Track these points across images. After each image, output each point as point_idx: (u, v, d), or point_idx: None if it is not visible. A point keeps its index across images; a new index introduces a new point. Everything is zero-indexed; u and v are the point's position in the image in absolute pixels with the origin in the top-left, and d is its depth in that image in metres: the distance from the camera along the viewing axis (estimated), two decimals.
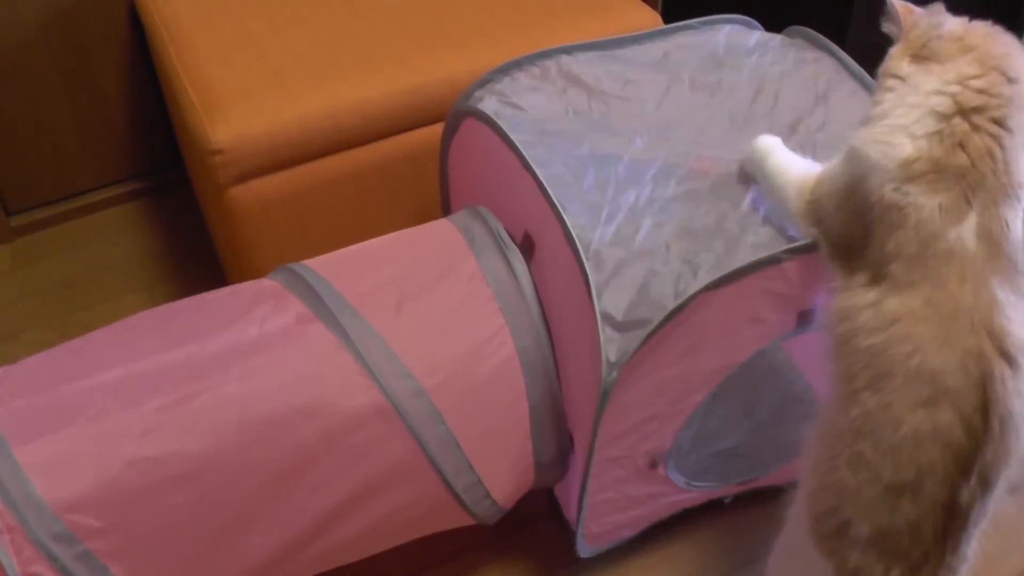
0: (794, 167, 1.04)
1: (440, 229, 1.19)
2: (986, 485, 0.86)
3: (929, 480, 0.85)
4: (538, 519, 1.36)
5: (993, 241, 0.89)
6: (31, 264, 1.81)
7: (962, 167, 0.89)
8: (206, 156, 1.29)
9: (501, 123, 1.13)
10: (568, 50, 1.26)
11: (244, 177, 1.31)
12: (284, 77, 1.34)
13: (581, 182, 1.09)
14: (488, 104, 1.18)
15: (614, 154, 1.13)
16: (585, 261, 1.02)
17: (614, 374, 1.01)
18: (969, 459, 0.85)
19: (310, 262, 1.16)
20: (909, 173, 0.90)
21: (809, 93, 1.22)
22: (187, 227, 1.85)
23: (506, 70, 1.22)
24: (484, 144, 1.18)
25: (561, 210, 1.05)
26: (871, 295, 0.90)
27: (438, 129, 1.38)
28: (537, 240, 1.12)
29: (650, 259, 1.04)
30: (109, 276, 1.78)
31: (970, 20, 0.97)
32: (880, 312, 0.89)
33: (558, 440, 1.15)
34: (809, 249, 1.04)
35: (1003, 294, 0.88)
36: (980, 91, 0.91)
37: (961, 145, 0.90)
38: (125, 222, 1.88)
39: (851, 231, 0.95)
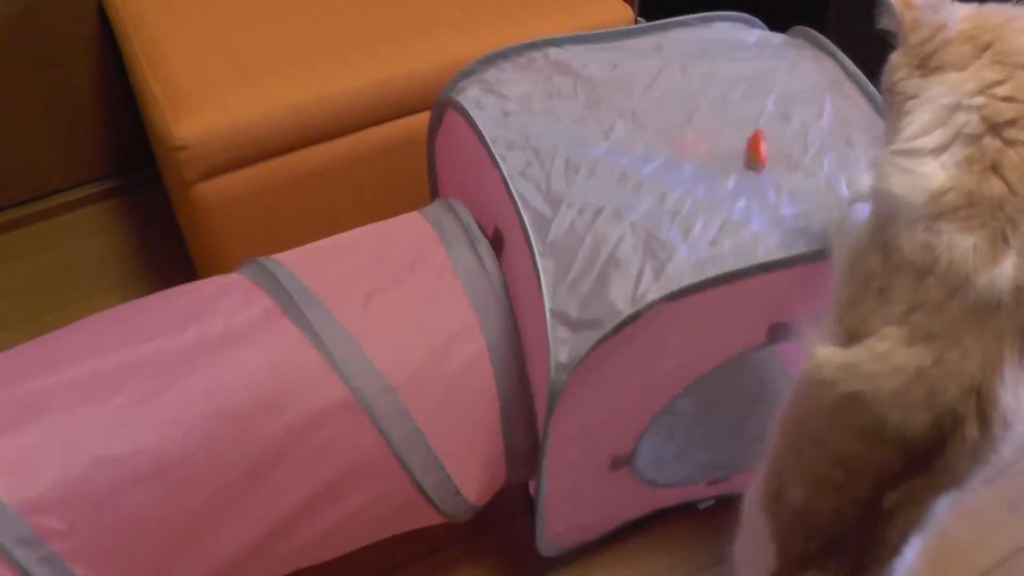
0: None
1: (411, 222, 1.18)
2: (916, 504, 0.85)
3: (852, 484, 0.85)
4: (512, 516, 1.34)
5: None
6: (1, 266, 1.79)
7: (998, 196, 0.77)
8: (171, 152, 1.27)
9: (475, 113, 1.11)
10: (557, 42, 1.24)
11: (210, 173, 1.29)
12: (250, 71, 1.32)
13: (550, 170, 1.07)
14: (471, 93, 1.16)
15: (592, 138, 1.11)
16: (538, 256, 0.99)
17: (563, 376, 0.98)
18: (897, 480, 0.84)
19: (279, 256, 1.15)
20: (941, 207, 0.78)
21: (805, 87, 1.18)
22: (159, 226, 1.82)
23: (492, 60, 1.21)
24: (462, 136, 1.16)
25: (520, 202, 1.03)
26: (884, 345, 0.81)
27: (408, 123, 1.36)
28: (505, 234, 1.10)
29: (611, 250, 1.00)
30: (81, 276, 1.75)
31: (981, 2, 0.85)
32: (887, 363, 0.80)
33: (529, 435, 1.14)
34: (784, 264, 1.00)
35: (1011, 354, 0.78)
36: (1008, 99, 0.79)
37: (994, 168, 0.77)
38: (97, 222, 1.85)
39: (865, 295, 0.85)
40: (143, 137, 1.83)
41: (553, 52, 1.22)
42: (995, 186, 0.77)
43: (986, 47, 0.81)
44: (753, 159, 1.09)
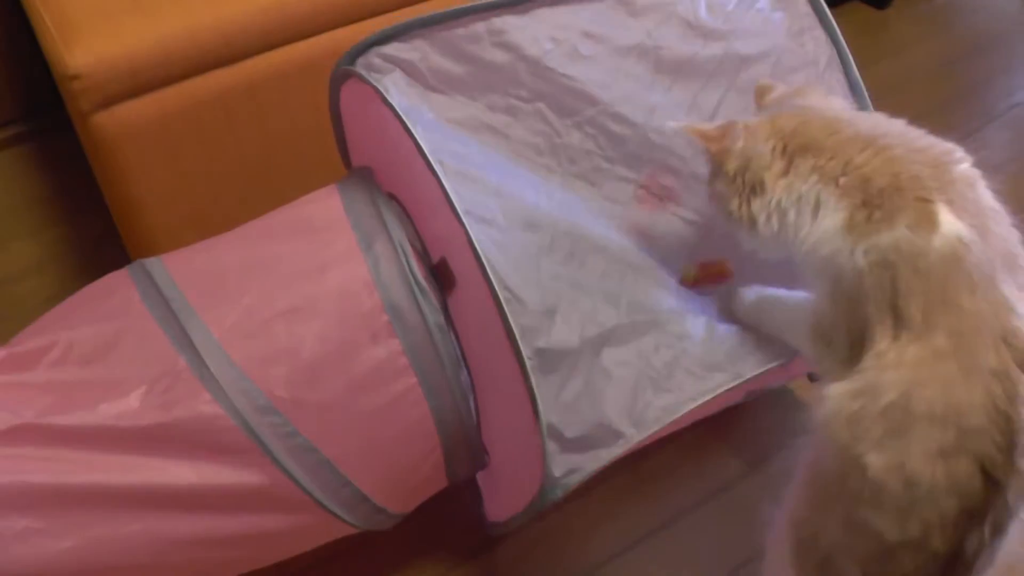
0: (789, 307, 1.05)
1: (331, 222, 1.08)
2: (998, 531, 0.85)
3: (936, 536, 0.83)
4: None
5: (978, 228, 0.89)
6: None
7: (889, 185, 0.91)
8: (65, 82, 1.26)
9: (409, 122, 1.00)
10: (503, 6, 1.09)
11: (107, 102, 1.29)
12: None
13: (512, 231, 1.01)
14: (394, 80, 1.05)
15: (549, 169, 1.07)
16: (529, 367, 0.94)
17: (558, 492, 0.99)
18: (984, 507, 0.83)
19: (169, 258, 1.11)
20: (858, 229, 0.91)
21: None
22: (73, 171, 1.81)
23: (420, 29, 1.07)
24: (384, 124, 1.06)
25: (492, 277, 0.94)
26: (892, 355, 0.87)
27: (303, 47, 1.37)
28: (459, 280, 1.05)
29: (599, 354, 1.00)
30: None
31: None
32: (902, 363, 0.86)
33: (466, 439, 1.10)
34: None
35: (1008, 290, 0.87)
36: (826, 168, 0.96)
37: (866, 178, 0.93)
38: (9, 168, 1.84)
39: (856, 323, 0.92)
40: (52, 79, 1.81)
41: (499, 24, 1.08)
42: (880, 181, 0.92)
43: (791, 153, 0.98)
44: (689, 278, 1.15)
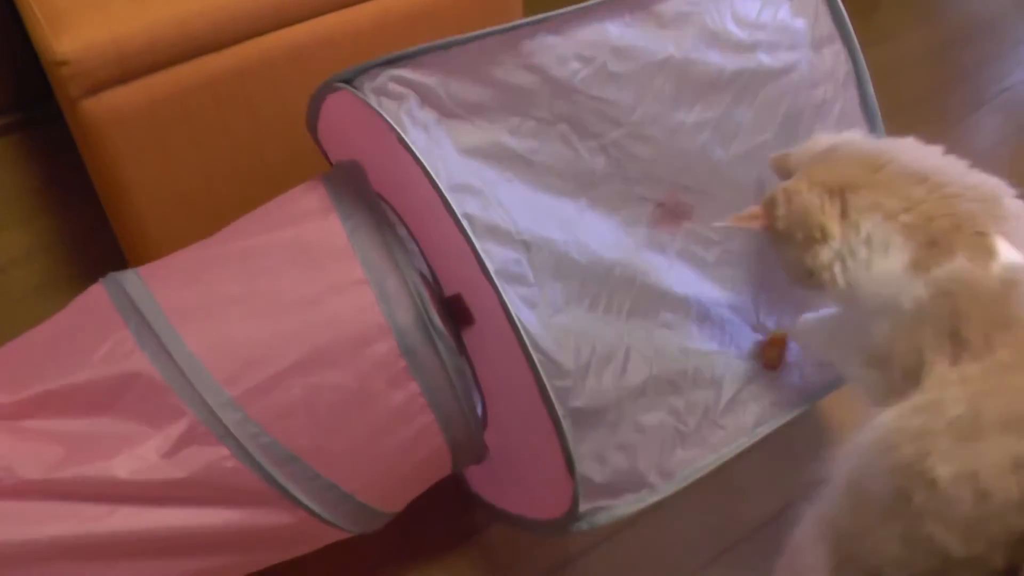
0: (844, 330, 1.05)
1: (340, 265, 1.02)
2: None
3: (1000, 553, 0.82)
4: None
5: None
6: None
7: (950, 224, 0.93)
8: (53, 68, 1.26)
9: (424, 154, 0.94)
10: (530, 25, 1.03)
11: (95, 89, 1.28)
12: None
13: (542, 281, 1.00)
14: (407, 111, 1.00)
15: (571, 200, 1.05)
16: (568, 439, 0.94)
17: (583, 526, 1.02)
18: None
19: (147, 270, 1.08)
20: (921, 265, 0.93)
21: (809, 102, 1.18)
22: (64, 161, 1.80)
23: (434, 52, 1.01)
24: (391, 147, 1.00)
25: (525, 336, 0.92)
26: (953, 376, 0.88)
27: (293, 32, 1.36)
28: (479, 317, 1.05)
29: (630, 410, 1.03)
30: None
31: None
32: (966, 380, 0.87)
33: (467, 423, 1.07)
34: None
35: None
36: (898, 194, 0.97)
37: (929, 217, 0.94)
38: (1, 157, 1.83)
39: (911, 352, 0.93)
40: (43, 69, 1.80)
41: (527, 46, 1.03)
42: (942, 223, 0.94)
43: (840, 194, 0.99)
44: (770, 360, 1.17)
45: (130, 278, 1.06)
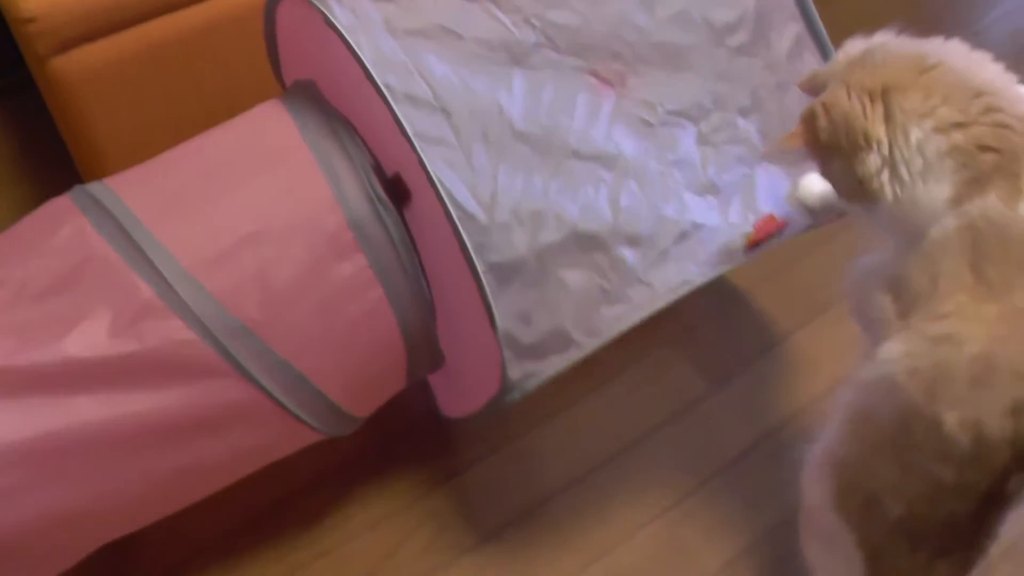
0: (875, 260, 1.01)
1: (293, 154, 1.08)
2: None
3: (988, 479, 0.84)
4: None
5: None
6: None
7: (996, 162, 0.88)
8: (20, 26, 1.26)
9: (355, 44, 1.00)
10: None
11: (64, 46, 1.28)
12: None
13: (468, 151, 1.03)
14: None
15: (500, 73, 1.06)
16: (484, 280, 0.98)
17: (516, 395, 1.04)
18: None
19: (115, 181, 1.11)
20: (959, 202, 0.88)
21: None
22: (39, 128, 1.80)
23: None
24: (327, 43, 1.06)
25: (446, 198, 0.97)
26: (971, 309, 0.85)
27: None
28: (414, 192, 1.07)
29: (554, 266, 1.03)
30: None
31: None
32: (984, 319, 0.85)
33: (426, 330, 1.12)
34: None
35: None
36: (960, 110, 0.90)
37: (980, 147, 0.88)
38: None
39: (928, 277, 0.90)
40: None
41: None
42: (988, 157, 0.88)
43: (884, 96, 0.92)
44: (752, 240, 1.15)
45: (93, 185, 1.09)
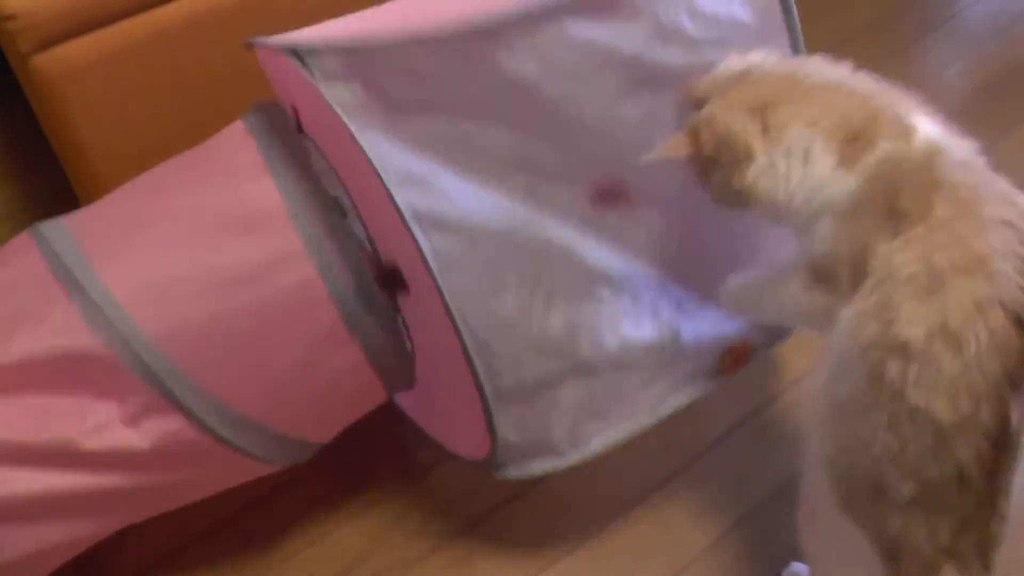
0: (774, 279, 1.07)
1: (276, 231, 1.07)
2: None
3: (985, 408, 0.83)
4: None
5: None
6: None
7: (867, 116, 0.95)
8: (1, 23, 1.26)
9: (363, 137, 0.99)
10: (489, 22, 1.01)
11: (46, 43, 1.28)
12: None
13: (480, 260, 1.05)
14: (351, 92, 1.01)
15: (507, 194, 1.08)
16: (492, 404, 1.06)
17: (496, 475, 1.16)
18: (1019, 363, 0.84)
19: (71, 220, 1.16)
20: (847, 161, 0.95)
21: None
22: (27, 128, 1.80)
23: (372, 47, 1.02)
24: (331, 125, 1.03)
25: (458, 320, 1.01)
26: (897, 243, 0.89)
27: None
28: (411, 285, 1.10)
29: (551, 388, 1.13)
30: None
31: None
32: (912, 241, 0.89)
33: (393, 345, 1.13)
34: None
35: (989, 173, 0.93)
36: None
37: (845, 116, 0.96)
38: None
39: (856, 247, 0.94)
40: None
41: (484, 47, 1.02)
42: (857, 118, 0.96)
43: (759, 112, 1.00)
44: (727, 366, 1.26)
45: (60, 238, 1.13)
